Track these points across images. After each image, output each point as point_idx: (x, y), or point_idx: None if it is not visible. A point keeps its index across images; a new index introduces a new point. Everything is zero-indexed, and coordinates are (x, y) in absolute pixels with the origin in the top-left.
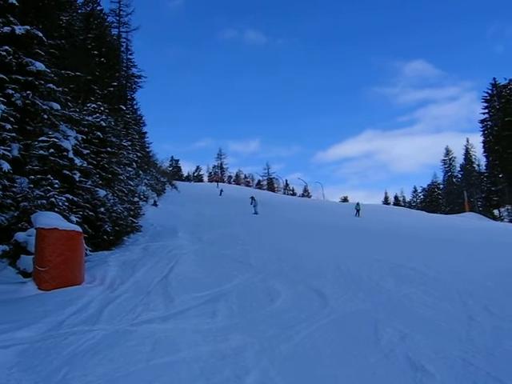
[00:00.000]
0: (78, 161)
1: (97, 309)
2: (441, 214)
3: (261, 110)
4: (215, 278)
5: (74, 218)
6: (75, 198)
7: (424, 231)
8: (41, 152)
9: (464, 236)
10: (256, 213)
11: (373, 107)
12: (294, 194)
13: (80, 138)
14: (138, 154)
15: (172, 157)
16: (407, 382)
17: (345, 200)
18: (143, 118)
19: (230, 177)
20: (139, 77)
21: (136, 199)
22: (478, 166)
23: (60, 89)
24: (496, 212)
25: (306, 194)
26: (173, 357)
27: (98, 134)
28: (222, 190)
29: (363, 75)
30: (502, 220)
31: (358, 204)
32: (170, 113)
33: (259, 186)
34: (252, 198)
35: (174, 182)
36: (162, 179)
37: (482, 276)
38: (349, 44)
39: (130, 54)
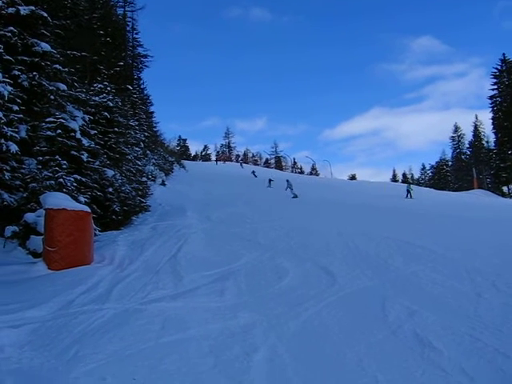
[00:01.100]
0: (85, 141)
1: (106, 288)
2: (449, 191)
3: (267, 88)
4: (224, 256)
5: (82, 199)
6: (83, 179)
7: (432, 208)
8: (48, 133)
9: (472, 213)
10: (295, 196)
11: (380, 84)
12: (301, 173)
13: (87, 119)
14: (146, 134)
15: (179, 136)
16: (415, 358)
17: (353, 178)
18: (150, 98)
19: (237, 155)
20: (145, 56)
21: (144, 179)
22: (487, 142)
23: (66, 69)
24: (505, 189)
25: (313, 172)
26: (182, 335)
27: (105, 114)
28: (254, 172)
29: (371, 52)
30: (511, 197)
31: (409, 185)
32: (176, 92)
33: (267, 164)
34: (287, 181)
35: (181, 161)
36: (169, 159)
37: (490, 253)
38: (355, 21)
39: (136, 34)
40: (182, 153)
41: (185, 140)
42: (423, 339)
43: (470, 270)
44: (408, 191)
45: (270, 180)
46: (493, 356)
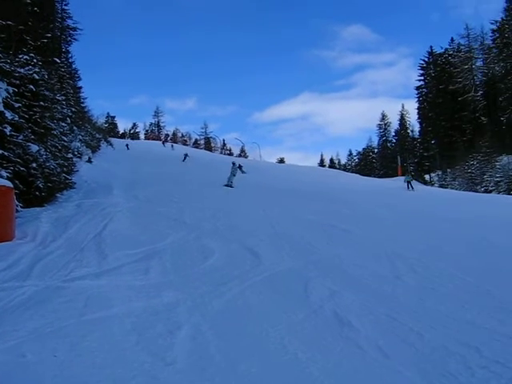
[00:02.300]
0: (8, 114)
1: (28, 265)
2: (374, 177)
3: (198, 69)
4: (149, 235)
5: (4, 173)
6: (5, 153)
7: (358, 194)
8: None
9: (398, 200)
10: (229, 185)
11: (311, 70)
12: (231, 154)
13: (11, 91)
14: (73, 109)
15: (108, 113)
16: (334, 336)
17: (281, 161)
18: (78, 72)
19: (167, 135)
20: (75, 29)
21: (70, 155)
22: (412, 131)
23: None
24: (427, 177)
25: (243, 154)
26: (105, 312)
27: (31, 87)
28: (186, 155)
29: (302, 37)
30: (432, 185)
31: (408, 176)
32: (105, 67)
33: (196, 145)
34: (233, 164)
35: (109, 138)
36: (97, 136)
37: (411, 238)
38: (288, 5)
39: (66, 5)
40: (110, 130)
41: (113, 117)
42: (343, 318)
43: (390, 254)
44: (408, 183)
45: (185, 155)
46: (407, 335)
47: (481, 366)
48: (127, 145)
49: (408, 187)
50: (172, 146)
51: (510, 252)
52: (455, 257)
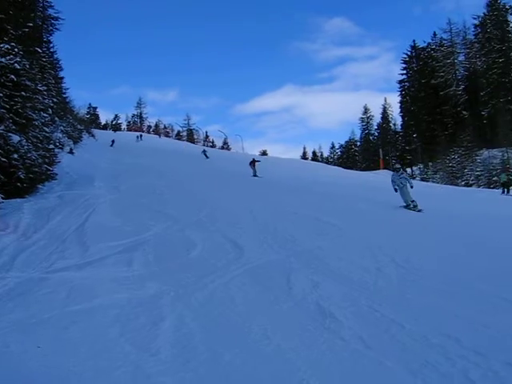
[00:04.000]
0: None
1: (10, 256)
2: (357, 170)
3: (180, 60)
4: (132, 227)
5: None
6: None
7: (340, 187)
8: None
9: (380, 194)
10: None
11: (293, 62)
12: (213, 146)
13: None
14: (54, 100)
15: (90, 104)
16: (317, 327)
17: (264, 153)
18: (60, 63)
19: (149, 126)
20: (56, 19)
21: (51, 146)
22: (394, 125)
23: None
24: (409, 170)
25: (225, 146)
26: (88, 304)
27: (12, 77)
28: (205, 151)
29: (285, 30)
30: (413, 178)
31: (507, 174)
32: (87, 58)
33: (179, 136)
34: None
35: (91, 129)
36: (78, 127)
37: (392, 231)
38: None
39: None
40: (92, 121)
41: (95, 108)
42: (325, 310)
43: (373, 247)
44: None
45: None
46: (389, 326)
47: (460, 356)
48: (113, 141)
49: (504, 191)
50: (138, 137)
51: (490, 244)
52: (436, 249)
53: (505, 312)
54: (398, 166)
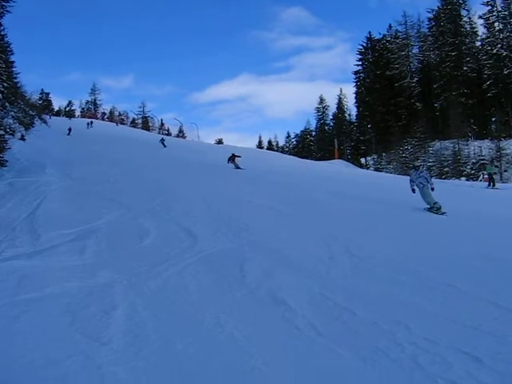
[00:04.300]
0: None
1: None
2: (312, 160)
3: (135, 47)
4: (85, 215)
5: None
6: None
7: (295, 177)
8: None
9: (332, 183)
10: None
11: (249, 51)
12: (169, 134)
13: None
14: (5, 85)
15: (42, 90)
16: (270, 315)
17: (220, 142)
18: (11, 46)
19: (104, 113)
20: (7, 0)
21: (1, 132)
22: (349, 115)
23: None
24: (363, 160)
25: (181, 134)
26: (39, 293)
27: None
28: (163, 139)
29: (241, 18)
30: (367, 168)
31: (489, 167)
32: (39, 41)
33: (134, 124)
34: (231, 157)
35: (44, 116)
36: (30, 112)
37: (346, 220)
38: None
39: None
40: (45, 107)
41: (48, 94)
42: (278, 298)
43: (326, 236)
44: (490, 176)
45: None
46: (340, 313)
47: (410, 342)
48: (70, 129)
49: (489, 185)
50: (88, 123)
51: (440, 230)
52: (388, 238)
53: (454, 300)
54: (418, 163)
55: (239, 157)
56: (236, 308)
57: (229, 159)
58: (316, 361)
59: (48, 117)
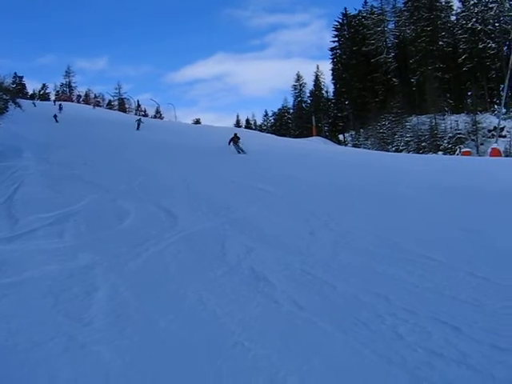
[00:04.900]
0: None
1: None
2: (290, 137)
3: (109, 28)
4: (63, 198)
5: None
6: None
7: (273, 155)
8: None
9: (311, 160)
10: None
11: (225, 30)
12: (146, 115)
13: None
14: None
15: (15, 73)
16: (251, 291)
17: (197, 122)
18: None
19: (79, 96)
20: None
21: None
22: (327, 92)
23: None
24: (341, 137)
25: (158, 115)
26: (20, 276)
27: None
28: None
29: None
30: (346, 144)
31: None
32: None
33: (110, 106)
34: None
35: (17, 100)
36: (4, 97)
37: (324, 196)
38: None
39: None
40: (19, 91)
41: (21, 77)
42: (259, 274)
43: (305, 212)
44: None
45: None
46: (321, 287)
47: (390, 313)
48: (55, 116)
49: None
50: (59, 105)
51: (418, 204)
52: (366, 213)
53: (432, 272)
54: None
55: (239, 138)
56: (217, 285)
57: (230, 140)
58: (298, 335)
59: (33, 104)
